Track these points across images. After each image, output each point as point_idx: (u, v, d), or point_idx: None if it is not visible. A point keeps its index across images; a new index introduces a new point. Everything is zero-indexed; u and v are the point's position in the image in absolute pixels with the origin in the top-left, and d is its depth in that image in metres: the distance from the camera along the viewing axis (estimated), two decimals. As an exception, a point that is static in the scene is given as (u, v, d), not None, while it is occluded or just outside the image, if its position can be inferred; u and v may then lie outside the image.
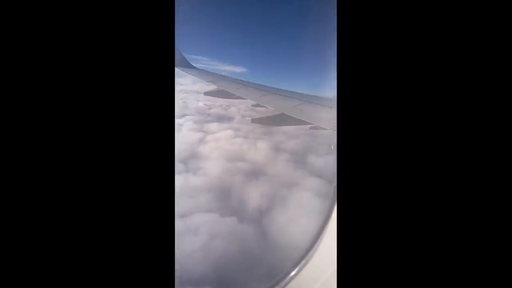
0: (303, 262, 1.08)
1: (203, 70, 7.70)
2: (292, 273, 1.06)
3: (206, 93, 6.18)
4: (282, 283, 1.05)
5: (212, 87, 6.20)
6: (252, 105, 5.26)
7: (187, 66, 7.70)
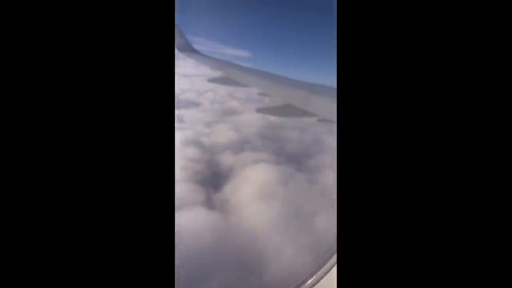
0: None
1: (206, 56, 7.24)
2: None
3: (210, 80, 5.91)
4: None
5: (216, 73, 5.91)
6: (258, 94, 5.02)
7: (189, 50, 7.25)
